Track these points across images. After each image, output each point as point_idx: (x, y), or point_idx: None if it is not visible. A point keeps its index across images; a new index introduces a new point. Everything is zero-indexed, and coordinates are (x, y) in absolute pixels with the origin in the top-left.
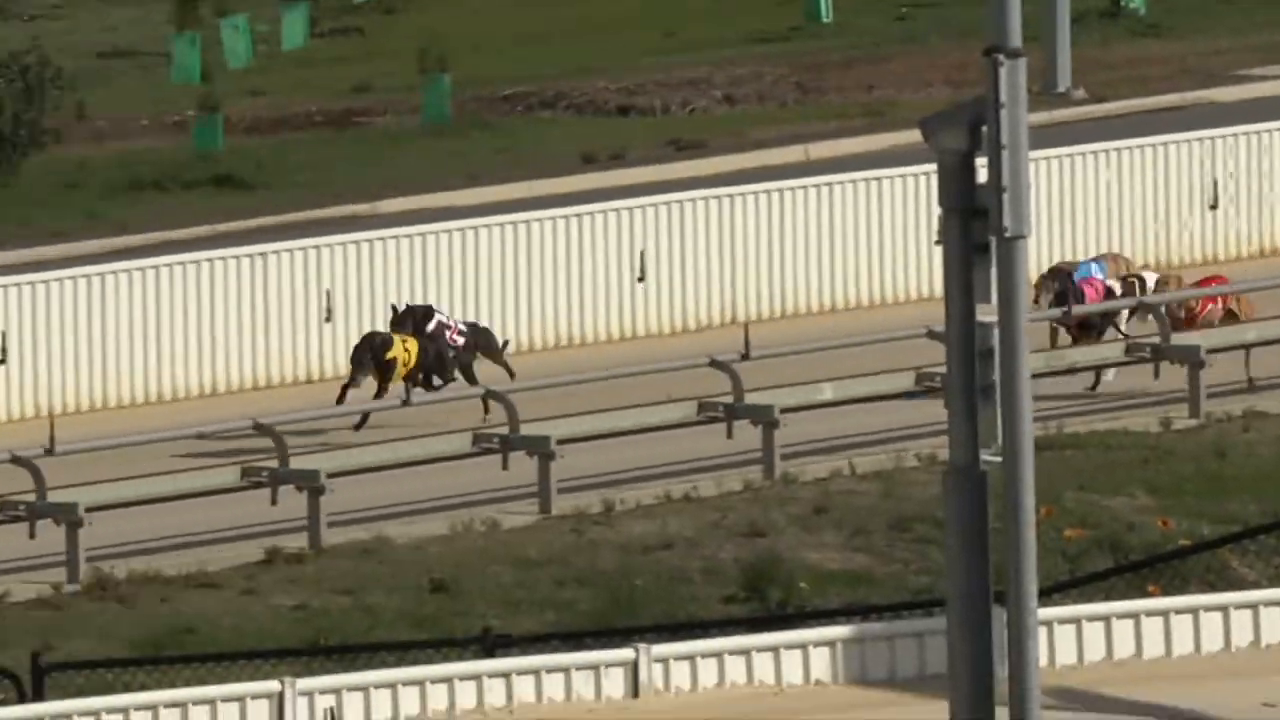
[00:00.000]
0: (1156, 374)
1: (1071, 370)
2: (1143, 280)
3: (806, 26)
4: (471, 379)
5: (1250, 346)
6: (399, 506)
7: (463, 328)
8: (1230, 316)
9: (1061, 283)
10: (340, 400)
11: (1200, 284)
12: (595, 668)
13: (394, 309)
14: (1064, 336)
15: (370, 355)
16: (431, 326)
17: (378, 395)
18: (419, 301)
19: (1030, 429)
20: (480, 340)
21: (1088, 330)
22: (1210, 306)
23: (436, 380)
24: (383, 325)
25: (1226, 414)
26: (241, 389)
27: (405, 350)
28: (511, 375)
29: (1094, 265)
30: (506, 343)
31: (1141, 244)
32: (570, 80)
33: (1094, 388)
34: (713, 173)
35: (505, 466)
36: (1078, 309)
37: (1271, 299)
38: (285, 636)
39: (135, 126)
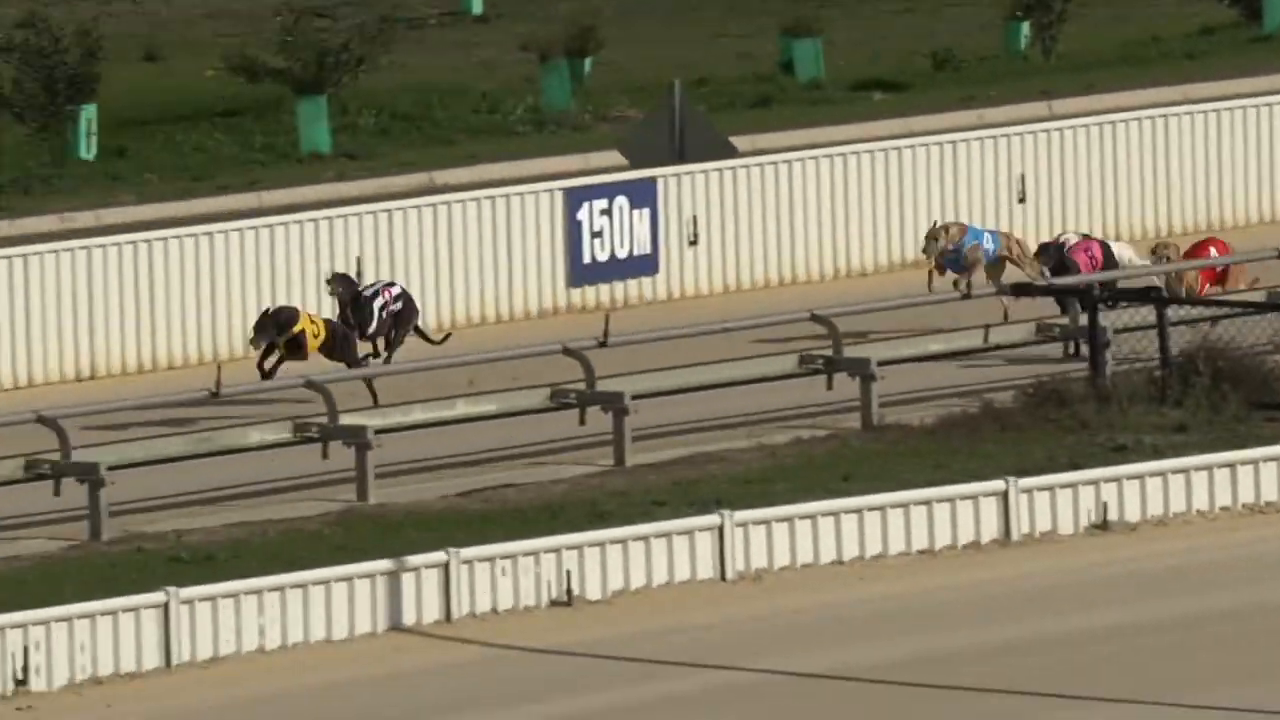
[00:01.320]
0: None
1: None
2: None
3: None
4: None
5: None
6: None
7: (396, 292)
8: (1220, 285)
9: (1053, 256)
10: (262, 373)
11: (1195, 252)
12: None
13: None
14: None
15: (275, 327)
16: (378, 305)
17: (275, 365)
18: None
19: None
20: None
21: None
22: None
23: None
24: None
25: None
26: None
27: (313, 324)
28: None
29: (986, 234)
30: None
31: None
32: None
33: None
34: None
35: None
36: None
37: None
38: None
39: None
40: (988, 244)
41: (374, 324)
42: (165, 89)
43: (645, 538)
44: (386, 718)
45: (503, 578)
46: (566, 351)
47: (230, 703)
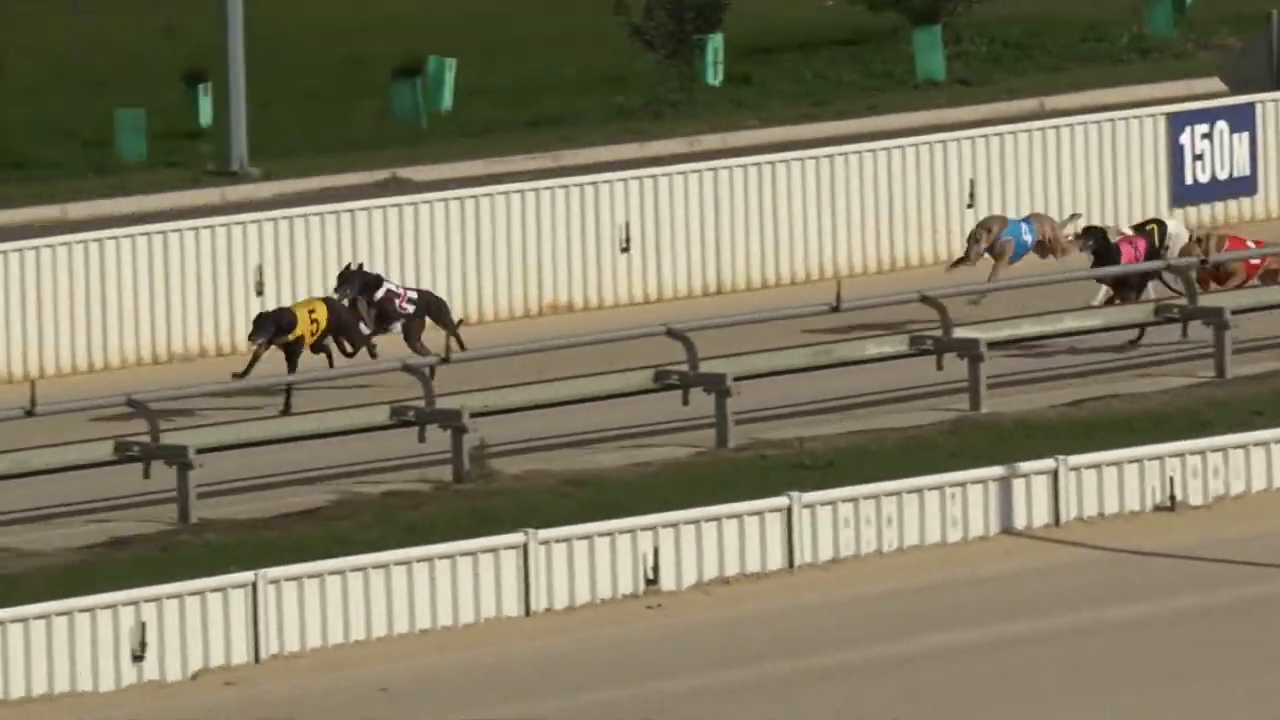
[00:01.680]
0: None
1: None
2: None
3: None
4: (417, 347)
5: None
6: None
7: (413, 295)
8: (1270, 276)
9: (1097, 241)
10: (245, 373)
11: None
12: None
13: (347, 267)
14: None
15: (274, 325)
16: (380, 294)
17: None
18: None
19: None
20: (432, 309)
21: (1126, 289)
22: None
23: (348, 347)
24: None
25: None
26: None
27: (312, 320)
28: (462, 347)
29: (1024, 225)
30: (461, 320)
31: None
32: None
33: (1136, 341)
34: None
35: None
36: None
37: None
38: None
39: None
40: (1025, 235)
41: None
42: (788, 19)
43: (1245, 446)
44: (997, 614)
45: (1109, 483)
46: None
47: (849, 601)
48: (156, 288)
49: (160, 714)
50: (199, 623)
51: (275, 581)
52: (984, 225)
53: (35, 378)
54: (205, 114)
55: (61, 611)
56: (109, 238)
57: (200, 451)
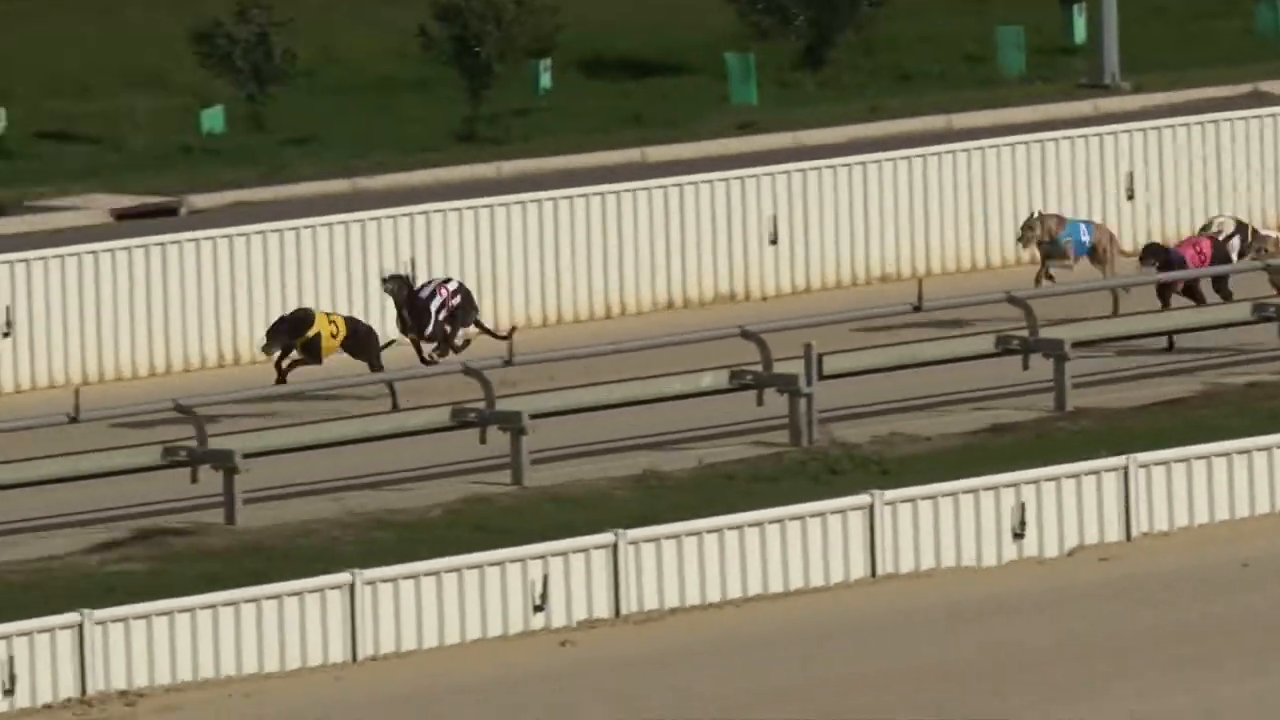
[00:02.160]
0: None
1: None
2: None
3: None
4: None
5: None
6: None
7: (453, 288)
8: None
9: (1158, 256)
10: (279, 380)
11: None
12: None
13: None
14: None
15: (288, 330)
16: (425, 294)
17: (289, 366)
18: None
19: None
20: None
21: (1194, 294)
22: None
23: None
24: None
25: None
26: None
27: (331, 324)
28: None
29: (1082, 225)
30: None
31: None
32: None
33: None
34: None
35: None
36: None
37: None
38: None
39: None
40: (1083, 235)
41: (431, 324)
42: None
43: None
44: None
45: None
46: None
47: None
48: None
49: (1037, 588)
50: (1074, 503)
51: (1145, 466)
52: (1039, 218)
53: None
54: (1079, 32)
55: (947, 493)
56: (989, 147)
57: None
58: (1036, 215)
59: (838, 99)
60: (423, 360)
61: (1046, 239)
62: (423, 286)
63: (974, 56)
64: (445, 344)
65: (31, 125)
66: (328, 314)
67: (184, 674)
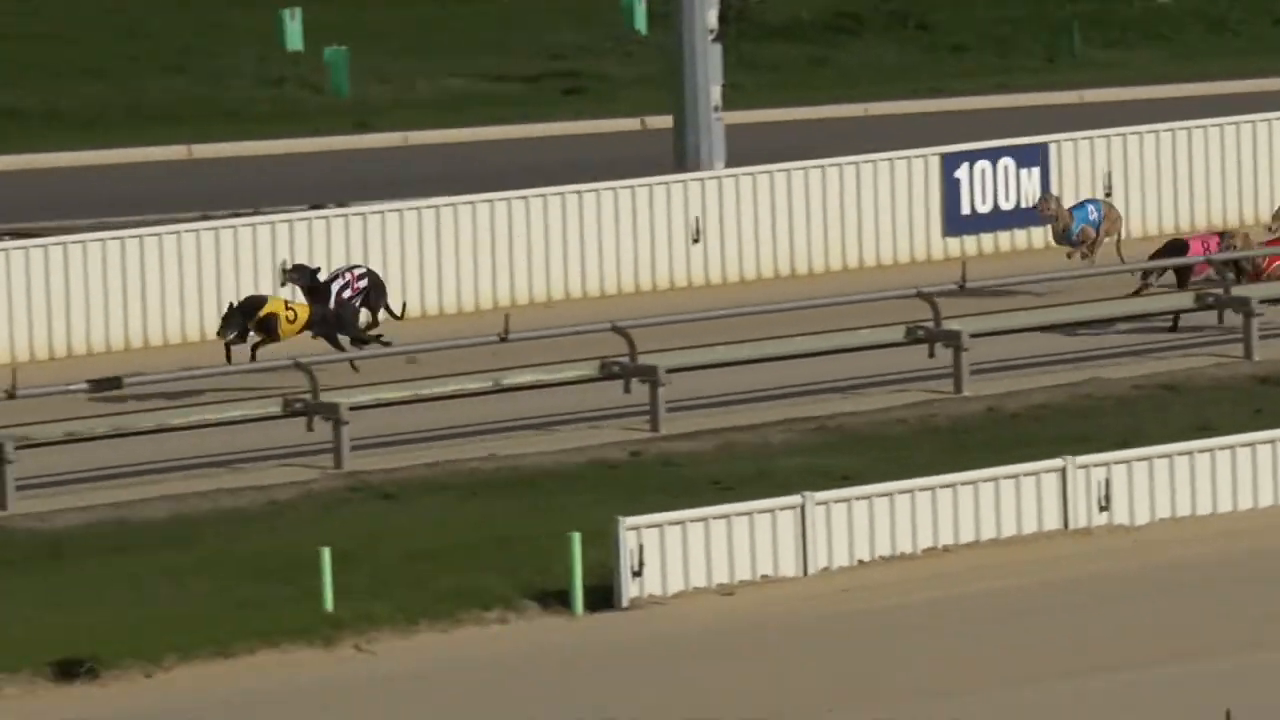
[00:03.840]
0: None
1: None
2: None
3: None
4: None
5: None
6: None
7: (359, 273)
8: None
9: (1175, 251)
10: (227, 359)
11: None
12: None
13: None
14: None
15: (241, 316)
16: (336, 287)
17: (254, 346)
18: None
19: None
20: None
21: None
22: (1276, 263)
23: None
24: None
25: None
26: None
27: (289, 309)
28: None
29: (1090, 205)
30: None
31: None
32: None
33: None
34: None
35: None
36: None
37: None
38: None
39: None
40: (1091, 214)
41: (331, 305)
42: None
43: None
44: None
45: None
46: None
47: None
48: None
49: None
50: None
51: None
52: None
53: None
54: None
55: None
56: None
57: None
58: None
59: None
60: (336, 348)
61: (1061, 226)
62: (332, 275)
63: None
64: (347, 325)
65: None
66: (286, 301)
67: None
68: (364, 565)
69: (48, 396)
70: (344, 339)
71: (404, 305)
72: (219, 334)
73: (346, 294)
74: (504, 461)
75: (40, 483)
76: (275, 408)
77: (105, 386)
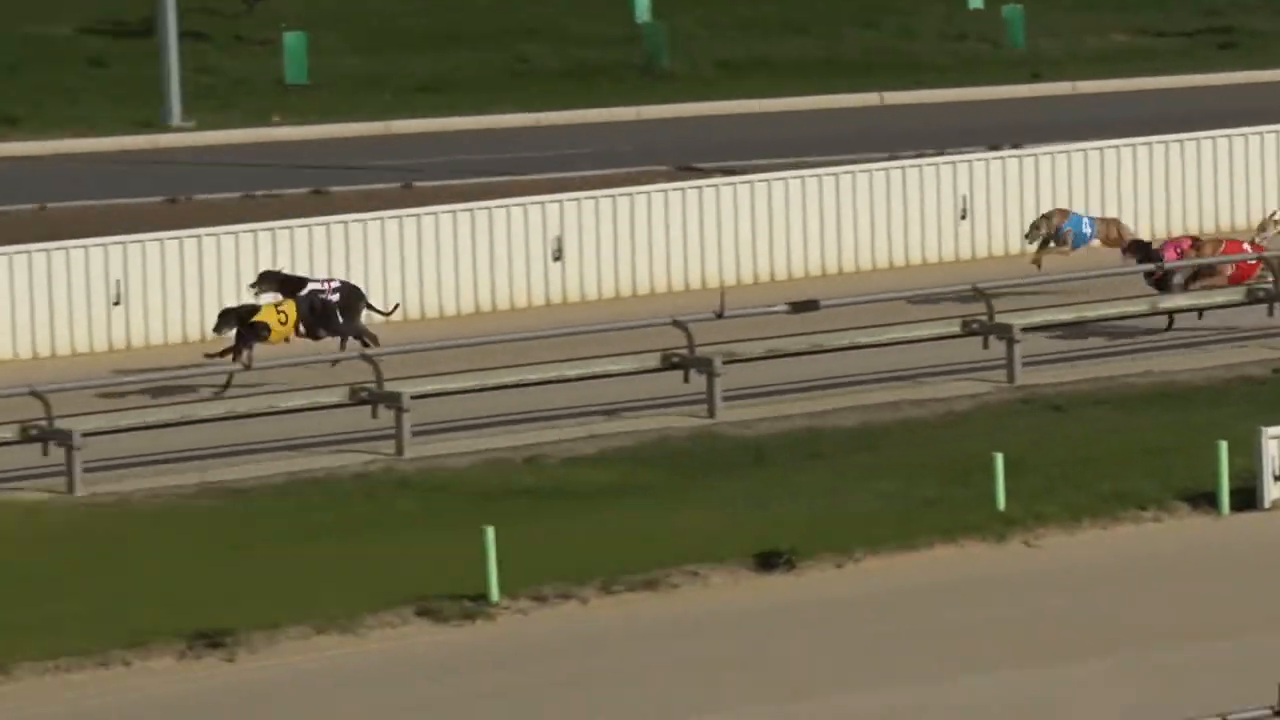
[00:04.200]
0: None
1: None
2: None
3: None
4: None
5: None
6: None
7: (335, 285)
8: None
9: (1142, 252)
10: (234, 357)
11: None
12: None
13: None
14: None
15: (236, 320)
16: (303, 293)
17: (235, 355)
18: None
19: None
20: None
21: (1166, 285)
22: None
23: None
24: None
25: None
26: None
27: (280, 313)
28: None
29: (1085, 220)
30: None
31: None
32: None
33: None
34: None
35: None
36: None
37: None
38: None
39: None
40: (1085, 228)
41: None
42: None
43: None
44: None
45: None
46: None
47: None
48: None
49: None
50: None
51: None
52: (1045, 216)
53: None
54: None
55: None
56: None
57: None
58: (1042, 216)
59: None
60: (315, 339)
61: (1051, 233)
62: (311, 287)
63: None
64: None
65: None
66: (276, 305)
67: None
68: (1033, 470)
69: (751, 317)
70: (355, 337)
71: (395, 306)
72: (215, 330)
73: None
74: (1158, 378)
75: (743, 394)
76: (955, 328)
77: (803, 308)
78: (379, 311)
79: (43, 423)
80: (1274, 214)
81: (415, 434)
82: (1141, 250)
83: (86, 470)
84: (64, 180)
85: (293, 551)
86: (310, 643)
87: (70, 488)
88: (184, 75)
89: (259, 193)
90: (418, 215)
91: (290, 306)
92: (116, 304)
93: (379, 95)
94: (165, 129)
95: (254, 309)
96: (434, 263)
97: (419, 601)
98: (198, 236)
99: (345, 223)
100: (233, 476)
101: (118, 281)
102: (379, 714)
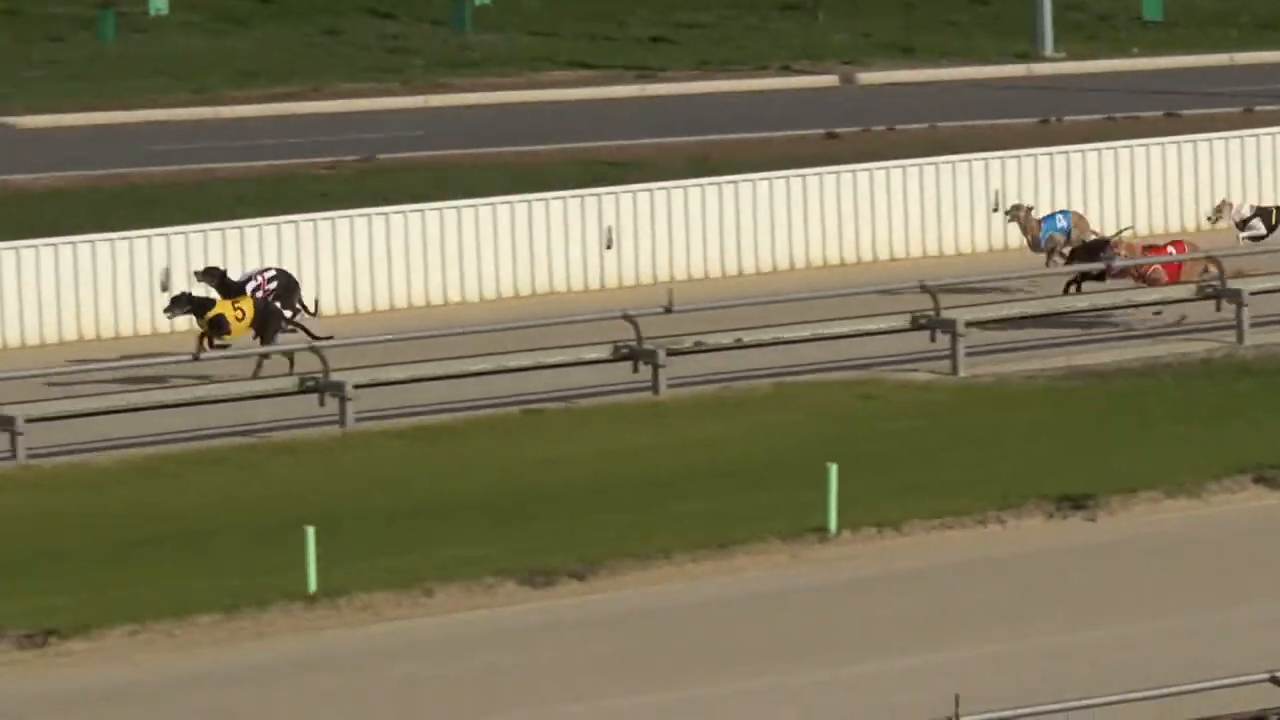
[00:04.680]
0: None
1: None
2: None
3: None
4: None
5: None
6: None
7: (270, 274)
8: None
9: (1090, 251)
10: (199, 349)
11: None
12: None
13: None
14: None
15: (189, 305)
16: (250, 287)
17: (200, 348)
18: None
19: None
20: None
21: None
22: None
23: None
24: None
25: None
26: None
27: (236, 309)
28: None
29: (1059, 216)
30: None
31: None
32: None
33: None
34: None
35: None
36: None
37: None
38: None
39: None
40: (1060, 223)
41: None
42: None
43: None
44: None
45: None
46: None
47: None
48: None
49: None
50: None
51: None
52: (1016, 208)
53: None
54: None
55: None
56: None
57: None
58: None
59: None
60: (266, 341)
61: (1030, 237)
62: (246, 277)
63: None
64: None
65: None
66: (233, 302)
67: None
68: None
69: None
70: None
71: (316, 302)
72: (166, 312)
73: (258, 295)
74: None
75: None
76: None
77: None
78: (307, 311)
79: (930, 313)
80: (1224, 201)
81: (1252, 325)
82: (1089, 251)
83: (967, 355)
84: (951, 103)
85: (1146, 426)
86: (1160, 505)
87: (954, 369)
88: (1055, 12)
89: (1118, 115)
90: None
91: (247, 304)
92: (995, 210)
93: (1226, 31)
94: (1039, 59)
95: (208, 302)
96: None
97: (1256, 470)
98: (1065, 154)
99: (1194, 142)
100: (1095, 361)
101: (996, 192)
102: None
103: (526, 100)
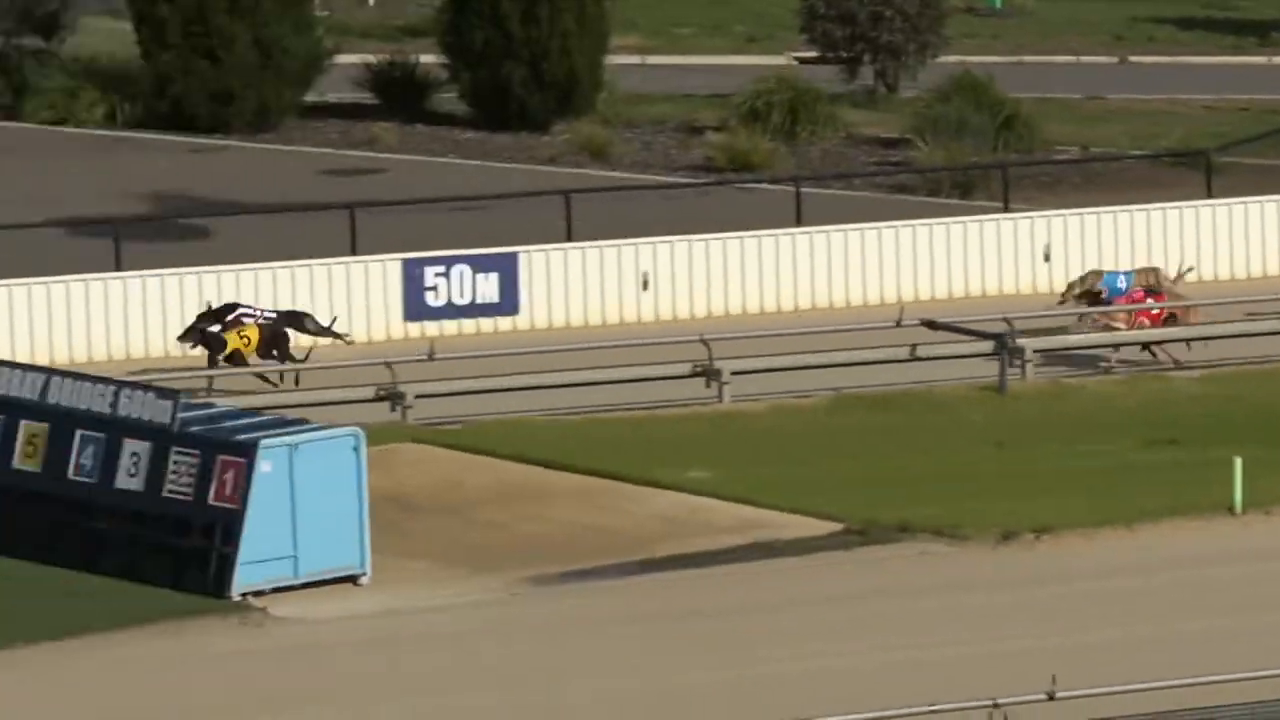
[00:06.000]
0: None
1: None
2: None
3: None
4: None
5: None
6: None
7: (270, 315)
8: (1171, 320)
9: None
10: (212, 363)
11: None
12: None
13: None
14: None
15: (202, 338)
16: (230, 318)
17: (211, 362)
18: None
19: None
20: (291, 322)
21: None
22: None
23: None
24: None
25: None
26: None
27: (242, 338)
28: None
29: (1122, 275)
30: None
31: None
32: None
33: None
34: None
35: None
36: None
37: None
38: None
39: None
40: (1120, 283)
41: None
42: None
43: None
44: None
45: None
46: None
47: None
48: None
49: None
50: None
51: None
52: (1080, 278)
53: None
54: None
55: None
56: None
57: None
58: (1079, 277)
59: None
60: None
61: (1087, 292)
62: (230, 306)
63: None
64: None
65: None
66: (239, 332)
67: None
68: None
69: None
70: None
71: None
72: (179, 339)
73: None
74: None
75: None
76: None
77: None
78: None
79: None
80: (1189, 268)
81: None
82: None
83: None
84: None
85: None
86: None
87: None
88: None
89: None
90: None
91: (253, 332)
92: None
93: None
94: None
95: (221, 340)
96: None
97: None
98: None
99: None
100: None
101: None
102: None
103: None
